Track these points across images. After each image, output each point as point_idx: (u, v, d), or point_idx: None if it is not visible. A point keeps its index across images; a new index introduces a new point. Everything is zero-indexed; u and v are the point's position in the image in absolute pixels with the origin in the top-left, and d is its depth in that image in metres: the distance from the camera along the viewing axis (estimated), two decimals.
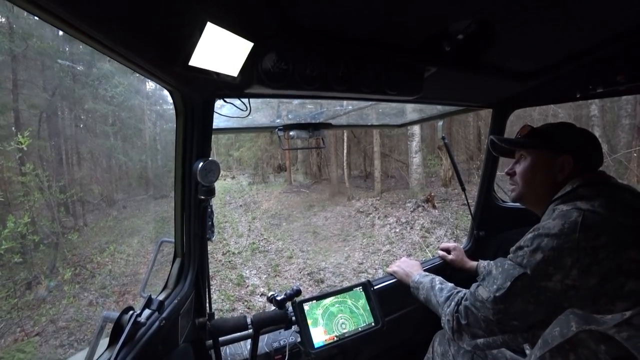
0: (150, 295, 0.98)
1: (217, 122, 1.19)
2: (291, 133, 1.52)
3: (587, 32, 0.97)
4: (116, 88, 6.85)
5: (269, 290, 5.71)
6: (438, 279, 1.21)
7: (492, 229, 1.86)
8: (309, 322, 1.27)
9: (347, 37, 0.87)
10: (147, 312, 0.96)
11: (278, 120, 1.56)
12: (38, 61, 5.90)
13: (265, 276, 6.29)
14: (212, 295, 1.27)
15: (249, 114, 1.08)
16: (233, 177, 12.99)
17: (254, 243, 7.77)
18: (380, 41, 0.93)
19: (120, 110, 7.48)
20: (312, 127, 1.56)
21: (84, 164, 7.23)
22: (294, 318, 1.28)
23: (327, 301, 1.34)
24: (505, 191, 2.06)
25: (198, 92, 0.96)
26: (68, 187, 6.13)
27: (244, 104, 1.06)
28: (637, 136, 7.68)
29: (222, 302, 5.24)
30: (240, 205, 10.67)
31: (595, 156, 0.99)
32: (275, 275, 6.29)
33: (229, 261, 6.75)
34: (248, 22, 0.73)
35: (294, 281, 6.01)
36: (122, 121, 7.73)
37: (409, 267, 1.43)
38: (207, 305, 1.26)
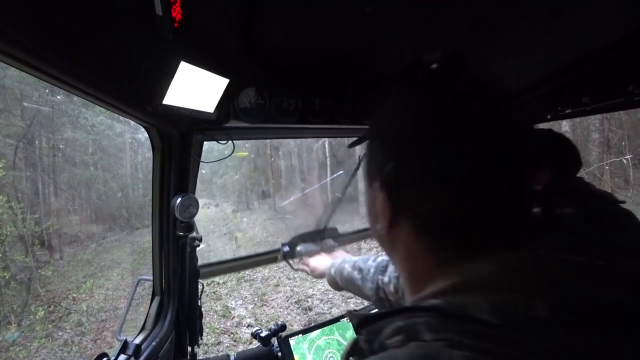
0: (126, 340, 0.93)
1: None
2: (298, 249, 1.46)
3: (551, 59, 1.02)
4: (97, 117, 6.77)
5: (256, 320, 5.53)
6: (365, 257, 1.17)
7: None
8: (296, 357, 1.22)
9: (322, 72, 0.89)
10: (122, 357, 0.91)
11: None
12: (17, 90, 5.80)
13: (251, 306, 6.11)
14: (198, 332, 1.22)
15: (233, 152, 1.09)
16: (217, 205, 12.78)
17: (238, 272, 7.58)
18: (355, 75, 0.95)
19: (101, 138, 7.35)
20: (319, 236, 1.54)
21: (62, 194, 7.01)
22: (279, 354, 1.23)
23: (314, 334, 1.30)
24: None
25: (175, 127, 0.95)
26: (44, 219, 5.91)
27: (226, 138, 1.05)
28: (607, 149, 8.01)
29: (206, 336, 5.03)
30: (225, 234, 10.45)
31: (572, 165, 1.02)
32: (262, 305, 6.11)
33: (214, 292, 6.54)
34: (223, 59, 0.74)
35: (281, 310, 5.86)
36: (102, 149, 7.59)
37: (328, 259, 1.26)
38: (189, 344, 1.20)
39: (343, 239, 1.71)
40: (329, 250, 1.52)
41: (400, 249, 0.43)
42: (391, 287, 0.92)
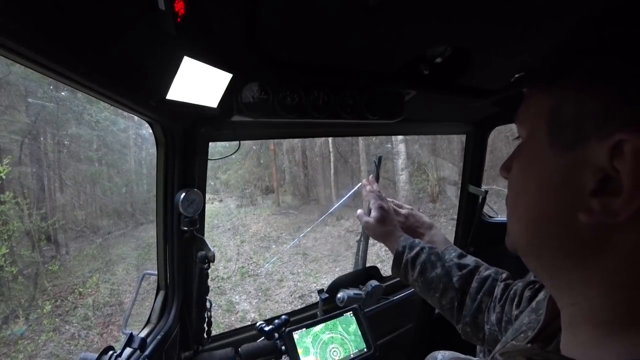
0: (131, 333, 0.94)
1: None
2: (339, 295, 1.43)
3: None
4: (101, 113, 6.79)
5: (260, 315, 5.57)
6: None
7: (480, 245, 1.87)
8: (300, 351, 1.23)
9: (325, 67, 0.89)
10: (128, 351, 0.92)
11: None
12: (21, 86, 5.82)
13: (255, 301, 6.15)
14: (203, 326, 1.23)
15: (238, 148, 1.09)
16: (220, 201, 12.83)
17: (243, 267, 7.62)
18: (359, 70, 0.94)
19: (106, 134, 7.38)
20: (359, 279, 1.49)
21: (67, 190, 7.06)
22: (283, 348, 1.24)
23: (317, 328, 1.30)
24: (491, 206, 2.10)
25: (178, 122, 0.96)
26: (50, 215, 5.97)
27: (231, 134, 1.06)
28: None
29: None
30: (229, 229, 10.50)
31: None
32: (266, 300, 6.15)
33: (218, 287, 6.59)
34: (226, 54, 0.74)
35: (285, 305, 5.89)
36: (107, 145, 7.62)
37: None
38: (195, 337, 1.21)
39: (388, 279, 1.66)
40: (375, 293, 1.47)
41: (619, 252, 0.28)
42: (493, 318, 0.78)
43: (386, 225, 1.04)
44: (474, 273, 0.88)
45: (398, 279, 1.00)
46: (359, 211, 1.13)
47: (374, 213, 1.07)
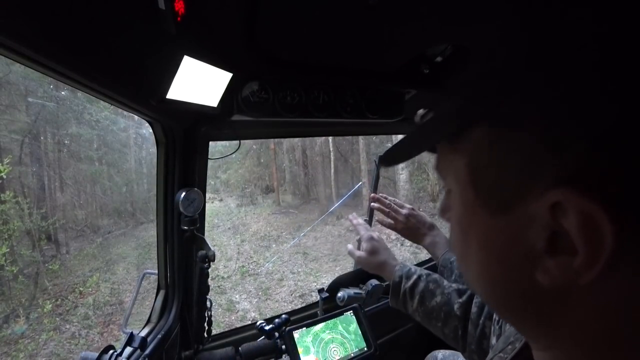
0: (132, 332, 0.94)
1: None
2: (339, 295, 1.42)
3: None
4: (102, 112, 6.79)
5: (260, 314, 5.57)
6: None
7: None
8: (300, 350, 1.23)
9: (325, 66, 0.89)
10: (128, 350, 0.92)
11: None
12: (21, 85, 5.82)
13: (255, 300, 6.15)
14: (204, 325, 1.23)
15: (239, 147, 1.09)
16: (221, 200, 12.84)
17: (243, 266, 7.63)
18: (359, 69, 0.94)
19: (106, 134, 7.38)
20: (360, 278, 1.49)
21: (67, 189, 7.06)
22: (284, 347, 1.24)
23: (317, 327, 1.30)
24: None
25: (178, 122, 0.96)
26: (50, 214, 5.97)
27: (231, 133, 1.06)
28: None
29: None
30: (229, 228, 10.51)
31: None
32: (266, 299, 6.15)
33: (218, 286, 6.59)
34: (226, 53, 0.74)
35: (285, 304, 5.89)
36: (107, 145, 7.62)
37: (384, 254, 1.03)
38: (196, 337, 1.22)
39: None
40: (375, 293, 1.46)
41: (586, 306, 0.25)
42: (494, 341, 0.75)
43: (379, 254, 1.02)
44: (472, 296, 0.84)
45: None
46: (349, 246, 1.11)
47: (364, 245, 1.05)
